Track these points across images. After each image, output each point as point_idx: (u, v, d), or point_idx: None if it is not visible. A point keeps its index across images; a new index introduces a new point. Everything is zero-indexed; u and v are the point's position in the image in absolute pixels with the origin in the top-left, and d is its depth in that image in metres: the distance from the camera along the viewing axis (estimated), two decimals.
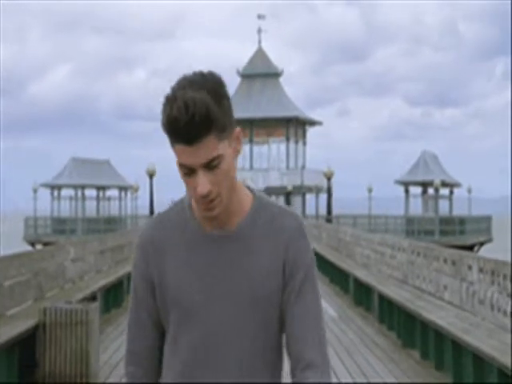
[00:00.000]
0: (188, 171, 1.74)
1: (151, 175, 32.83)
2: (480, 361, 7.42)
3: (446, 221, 44.43)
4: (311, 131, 54.31)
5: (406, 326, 10.63)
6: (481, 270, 8.51)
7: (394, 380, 8.75)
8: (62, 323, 8.61)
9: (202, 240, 1.84)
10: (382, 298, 12.32)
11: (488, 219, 49.03)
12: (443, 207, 48.32)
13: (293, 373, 1.81)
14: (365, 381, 8.73)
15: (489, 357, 7.04)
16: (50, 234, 45.99)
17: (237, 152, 1.80)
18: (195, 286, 1.81)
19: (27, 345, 8.63)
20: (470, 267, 8.89)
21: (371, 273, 14.60)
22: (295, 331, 1.81)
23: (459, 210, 51.81)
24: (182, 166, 1.74)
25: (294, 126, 50.55)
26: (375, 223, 45.61)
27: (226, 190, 1.78)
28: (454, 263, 9.60)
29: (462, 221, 45.17)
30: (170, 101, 1.73)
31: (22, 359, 8.60)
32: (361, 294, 14.66)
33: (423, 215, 45.67)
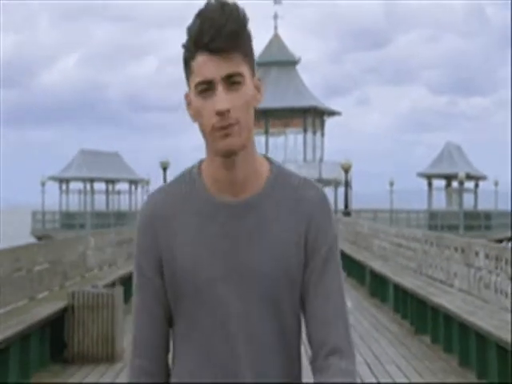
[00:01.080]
0: (206, 87, 1.71)
1: (165, 168, 33.67)
2: (482, 339, 8.46)
3: (471, 215, 45.30)
4: (330, 121, 55.09)
5: (418, 313, 11.68)
6: (486, 256, 9.55)
7: (404, 362, 9.82)
8: (88, 306, 9.72)
9: (214, 209, 1.78)
10: (397, 288, 13.35)
11: None
12: (468, 201, 49.17)
13: (314, 357, 1.78)
14: (377, 362, 9.79)
15: (490, 334, 8.08)
16: (58, 229, 47.08)
17: (256, 100, 1.77)
18: (208, 261, 1.76)
19: (57, 326, 9.76)
20: (477, 253, 9.93)
21: (387, 264, 15.65)
22: (318, 313, 1.78)
23: (485, 204, 52.57)
24: (199, 83, 1.72)
25: (312, 117, 51.37)
26: (397, 218, 46.45)
27: (245, 121, 1.73)
28: (463, 251, 10.63)
29: (487, 215, 46.05)
30: (204, 5, 1.74)
31: (52, 339, 9.74)
32: (376, 286, 15.71)
33: (447, 209, 46.57)
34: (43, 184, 49.38)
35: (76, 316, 9.71)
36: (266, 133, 49.33)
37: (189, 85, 1.77)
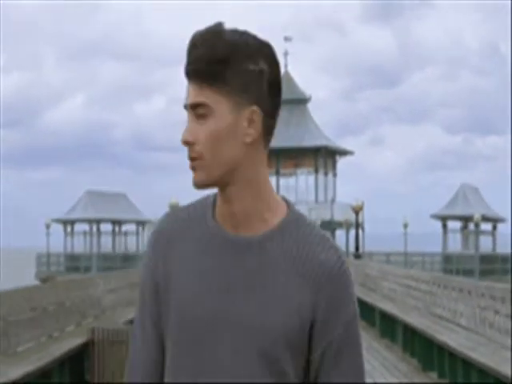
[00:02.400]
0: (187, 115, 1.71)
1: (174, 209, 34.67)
2: (484, 374, 9.34)
3: (488, 259, 45.96)
4: (342, 161, 55.95)
5: (425, 351, 12.57)
6: (486, 296, 10.47)
7: None
8: (108, 342, 10.67)
9: (218, 241, 1.72)
10: (406, 328, 14.25)
11: None
12: (486, 244, 49.83)
13: None
14: None
15: (491, 369, 8.98)
16: (62, 272, 47.91)
17: (245, 135, 1.66)
18: (202, 299, 1.70)
19: (76, 361, 10.70)
20: (477, 294, 10.86)
21: (396, 305, 16.55)
22: None
23: (504, 248, 53.15)
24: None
25: (324, 156, 52.27)
26: (411, 261, 47.09)
27: (210, 156, 1.66)
28: (469, 292, 11.56)
29: (504, 259, 46.67)
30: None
31: (72, 373, 10.67)
32: (386, 326, 16.61)
33: (462, 253, 47.23)
34: (48, 226, 50.43)
35: (96, 351, 10.66)
36: (277, 173, 50.21)
37: None
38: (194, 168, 1.67)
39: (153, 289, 1.75)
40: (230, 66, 1.66)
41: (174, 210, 1.82)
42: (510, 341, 9.55)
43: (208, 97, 1.66)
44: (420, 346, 13.02)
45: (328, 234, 1.77)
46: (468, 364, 10.03)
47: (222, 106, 1.66)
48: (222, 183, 1.67)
